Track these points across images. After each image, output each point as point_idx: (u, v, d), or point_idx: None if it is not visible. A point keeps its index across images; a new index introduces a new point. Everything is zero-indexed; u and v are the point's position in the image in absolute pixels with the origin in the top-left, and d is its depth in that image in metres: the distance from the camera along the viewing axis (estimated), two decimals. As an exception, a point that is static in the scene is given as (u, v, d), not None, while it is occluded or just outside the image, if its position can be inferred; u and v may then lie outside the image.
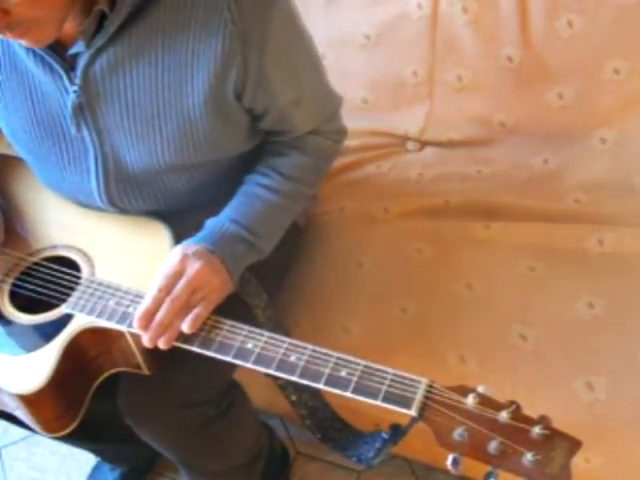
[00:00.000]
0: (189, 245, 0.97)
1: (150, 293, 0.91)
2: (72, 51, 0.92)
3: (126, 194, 1.04)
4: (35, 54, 0.93)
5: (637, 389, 1.11)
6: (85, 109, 0.96)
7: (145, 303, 0.91)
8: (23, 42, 0.87)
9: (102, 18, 0.89)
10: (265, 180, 1.06)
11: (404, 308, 1.25)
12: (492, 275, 1.28)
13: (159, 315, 0.90)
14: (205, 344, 0.89)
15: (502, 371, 1.17)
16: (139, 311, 0.90)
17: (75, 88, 0.94)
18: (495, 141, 1.52)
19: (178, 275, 0.92)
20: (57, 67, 0.93)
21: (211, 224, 1.01)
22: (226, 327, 0.89)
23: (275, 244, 1.07)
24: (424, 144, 1.60)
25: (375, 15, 1.53)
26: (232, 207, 1.04)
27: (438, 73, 1.52)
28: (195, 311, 0.90)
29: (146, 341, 0.90)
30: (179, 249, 0.96)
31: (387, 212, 1.42)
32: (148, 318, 0.90)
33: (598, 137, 1.44)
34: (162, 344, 0.90)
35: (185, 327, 0.89)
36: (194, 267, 0.92)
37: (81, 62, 0.92)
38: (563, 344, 1.17)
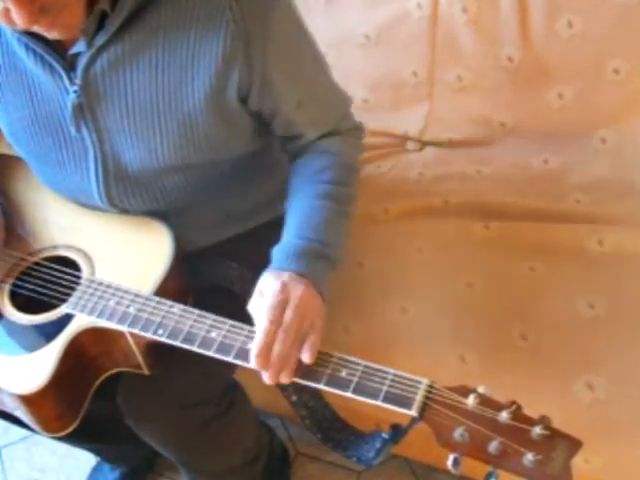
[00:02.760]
0: (279, 272, 0.92)
1: (261, 328, 0.86)
2: (73, 51, 0.92)
3: (126, 194, 1.03)
4: (35, 53, 0.93)
5: (637, 389, 1.11)
6: (85, 109, 0.96)
7: (259, 339, 0.85)
8: (55, 32, 0.86)
9: (103, 17, 0.89)
10: (310, 192, 1.03)
11: (404, 308, 1.25)
12: (492, 275, 1.28)
13: (276, 348, 0.84)
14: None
15: (502, 371, 1.17)
16: (255, 348, 0.85)
17: (75, 88, 0.94)
18: (495, 141, 1.53)
19: (283, 304, 0.87)
20: (57, 67, 0.93)
21: (282, 249, 0.97)
22: (226, 327, 0.89)
23: (343, 252, 1.02)
24: (424, 144, 1.61)
25: (375, 15, 1.53)
26: (293, 228, 1.00)
27: (438, 73, 1.52)
28: (310, 339, 0.86)
29: (268, 378, 0.86)
30: (274, 278, 0.91)
31: (387, 212, 1.43)
32: (266, 354, 0.85)
33: (598, 137, 1.44)
34: (285, 379, 0.85)
35: (305, 357, 0.85)
36: (297, 293, 0.88)
37: (81, 62, 0.92)
38: (563, 344, 1.17)
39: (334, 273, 0.99)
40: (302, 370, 0.85)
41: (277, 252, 0.97)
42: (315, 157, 1.07)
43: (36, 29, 0.84)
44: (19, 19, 0.80)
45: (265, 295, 0.89)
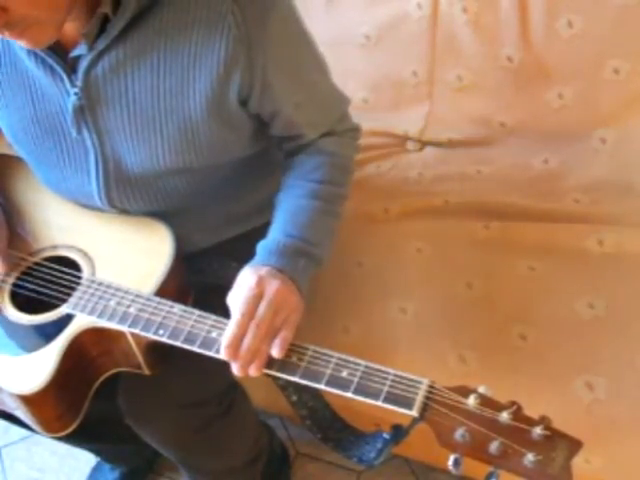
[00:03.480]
0: (258, 266, 0.93)
1: (233, 320, 0.87)
2: (74, 53, 0.91)
3: (126, 196, 1.03)
4: (36, 56, 0.93)
5: (637, 389, 1.11)
6: (86, 111, 0.96)
7: (230, 330, 0.86)
8: (22, 43, 0.86)
9: (105, 21, 0.89)
10: (299, 191, 1.04)
11: (404, 308, 1.25)
12: (492, 275, 1.28)
13: (246, 341, 0.86)
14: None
15: (502, 371, 1.17)
16: (225, 340, 0.86)
17: (76, 90, 0.94)
18: (495, 141, 1.53)
19: (258, 298, 0.89)
20: (58, 69, 0.93)
21: (265, 245, 0.98)
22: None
23: (330, 251, 1.04)
24: (424, 144, 1.61)
25: (375, 15, 1.53)
26: (279, 225, 1.01)
27: (438, 73, 1.52)
28: (282, 334, 0.87)
29: (236, 370, 0.87)
30: (251, 272, 0.92)
31: (387, 212, 1.43)
32: (236, 346, 0.86)
33: (598, 137, 1.44)
34: (253, 371, 0.86)
35: (275, 352, 0.86)
36: (272, 288, 0.89)
37: (82, 64, 0.92)
38: (563, 344, 1.17)
39: (315, 271, 1.00)
40: (277, 363, 0.86)
41: (260, 247, 0.98)
42: (309, 156, 1.07)
43: (7, 37, 0.84)
44: None
45: (241, 288, 0.90)
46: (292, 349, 0.86)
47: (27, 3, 0.79)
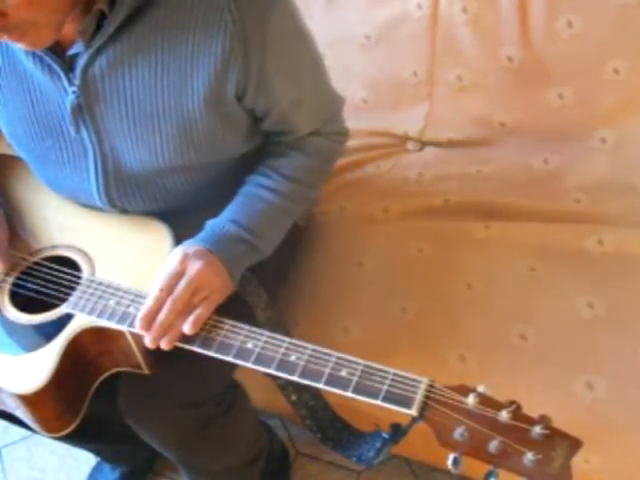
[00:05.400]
0: (190, 245, 0.96)
1: (152, 294, 0.91)
2: (71, 52, 0.92)
3: (125, 194, 1.04)
4: (34, 55, 0.93)
5: (637, 389, 1.11)
6: (84, 110, 0.96)
7: (147, 303, 0.90)
8: (21, 45, 0.86)
9: (101, 18, 0.89)
10: (266, 181, 1.06)
11: (404, 308, 1.25)
12: (492, 275, 1.28)
13: (161, 315, 0.89)
14: (206, 344, 0.89)
15: (502, 371, 1.17)
16: (141, 312, 0.90)
17: (74, 89, 0.94)
18: (495, 141, 1.52)
19: (179, 275, 0.92)
20: (56, 67, 0.93)
21: (211, 225, 1.01)
22: (226, 327, 0.89)
23: (276, 245, 1.07)
24: (424, 144, 1.60)
25: (375, 15, 1.53)
26: (232, 208, 1.03)
27: (438, 73, 1.52)
28: (197, 312, 0.90)
29: (148, 342, 0.90)
30: (180, 249, 0.96)
31: (387, 212, 1.43)
32: (150, 319, 0.89)
33: (598, 137, 1.44)
34: (164, 345, 0.90)
35: (186, 328, 0.89)
36: (195, 267, 0.92)
37: (80, 62, 0.92)
38: (563, 344, 1.17)
39: (257, 259, 1.03)
40: (198, 340, 0.89)
41: (206, 226, 1.01)
42: (288, 151, 1.09)
43: (6, 40, 0.84)
44: None
45: (166, 264, 0.93)
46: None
47: (26, 7, 0.79)
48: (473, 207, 1.41)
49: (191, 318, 0.89)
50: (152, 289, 0.91)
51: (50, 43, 0.88)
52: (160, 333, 0.89)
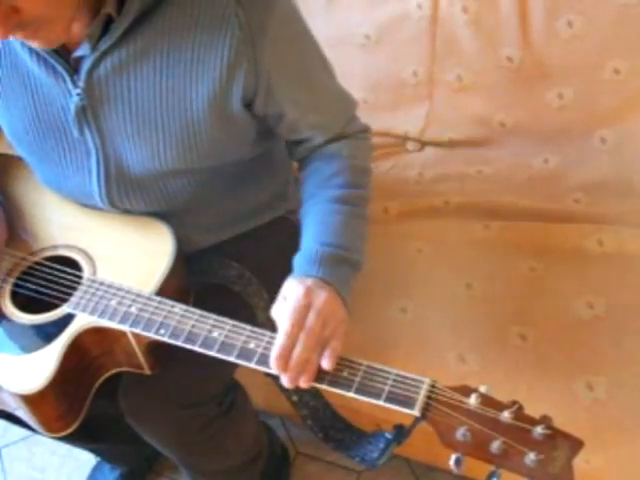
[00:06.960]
0: (303, 278, 0.91)
1: (282, 330, 0.85)
2: (77, 54, 0.91)
3: (127, 196, 1.03)
4: (38, 56, 0.93)
5: (637, 389, 1.11)
6: (88, 112, 0.95)
7: (280, 341, 0.84)
8: (35, 43, 0.86)
9: (108, 21, 0.89)
10: (323, 198, 1.02)
11: (404, 308, 1.25)
12: (492, 275, 1.28)
13: (297, 352, 0.84)
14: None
15: (502, 371, 1.17)
16: (275, 351, 0.84)
17: (78, 91, 0.94)
18: (495, 141, 1.53)
19: (307, 308, 0.87)
20: (60, 69, 0.93)
21: (304, 256, 0.96)
22: (228, 327, 0.89)
23: (364, 256, 1.01)
24: (424, 144, 1.61)
25: (375, 15, 1.53)
26: (311, 235, 0.99)
27: (438, 73, 1.52)
28: (331, 345, 0.85)
29: (287, 382, 0.84)
30: (297, 282, 0.91)
31: (387, 212, 1.43)
32: (286, 357, 0.84)
33: (598, 137, 1.44)
34: (304, 382, 0.84)
35: (325, 363, 0.84)
36: (321, 298, 0.88)
37: (85, 65, 0.92)
38: (563, 344, 1.17)
39: (356, 276, 0.98)
40: (328, 378, 0.84)
41: (299, 259, 0.96)
42: (326, 162, 1.06)
43: (12, 38, 0.84)
44: None
45: (288, 299, 0.88)
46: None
47: (37, 3, 0.79)
48: (473, 207, 1.41)
49: (328, 352, 0.84)
50: (281, 326, 0.86)
51: (62, 41, 0.88)
52: (299, 370, 0.84)
